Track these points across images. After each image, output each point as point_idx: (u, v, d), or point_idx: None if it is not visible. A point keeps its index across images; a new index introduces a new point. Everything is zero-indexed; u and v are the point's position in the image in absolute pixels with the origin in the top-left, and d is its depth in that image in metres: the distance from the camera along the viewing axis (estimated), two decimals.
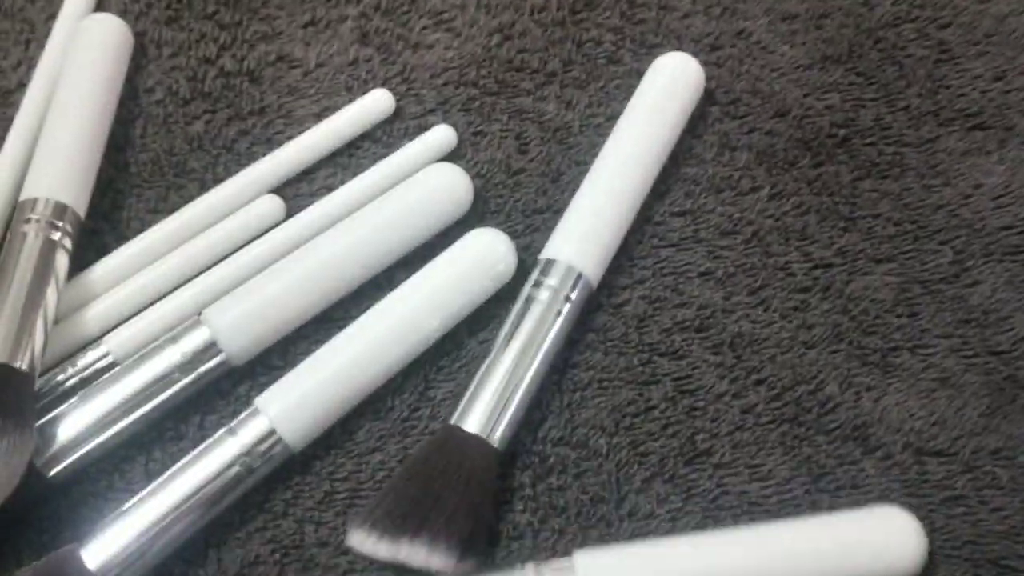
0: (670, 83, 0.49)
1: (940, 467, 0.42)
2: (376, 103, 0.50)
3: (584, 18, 0.53)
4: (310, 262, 0.44)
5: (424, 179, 0.47)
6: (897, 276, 0.47)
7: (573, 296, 0.44)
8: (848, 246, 0.47)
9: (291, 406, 0.41)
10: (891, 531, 0.40)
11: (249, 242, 0.47)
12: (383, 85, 0.51)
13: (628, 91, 0.50)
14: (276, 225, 0.47)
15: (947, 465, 0.43)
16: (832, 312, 0.46)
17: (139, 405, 0.42)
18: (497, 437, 0.41)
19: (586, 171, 0.48)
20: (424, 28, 0.53)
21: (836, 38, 0.53)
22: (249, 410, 0.42)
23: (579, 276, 0.44)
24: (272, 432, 0.41)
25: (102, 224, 0.47)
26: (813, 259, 0.47)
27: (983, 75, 0.52)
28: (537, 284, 0.44)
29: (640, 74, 0.51)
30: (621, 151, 0.48)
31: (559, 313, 0.44)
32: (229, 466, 0.41)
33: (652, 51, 0.52)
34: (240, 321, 0.43)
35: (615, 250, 0.46)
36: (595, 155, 0.48)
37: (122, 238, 0.47)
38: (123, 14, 0.52)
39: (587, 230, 0.46)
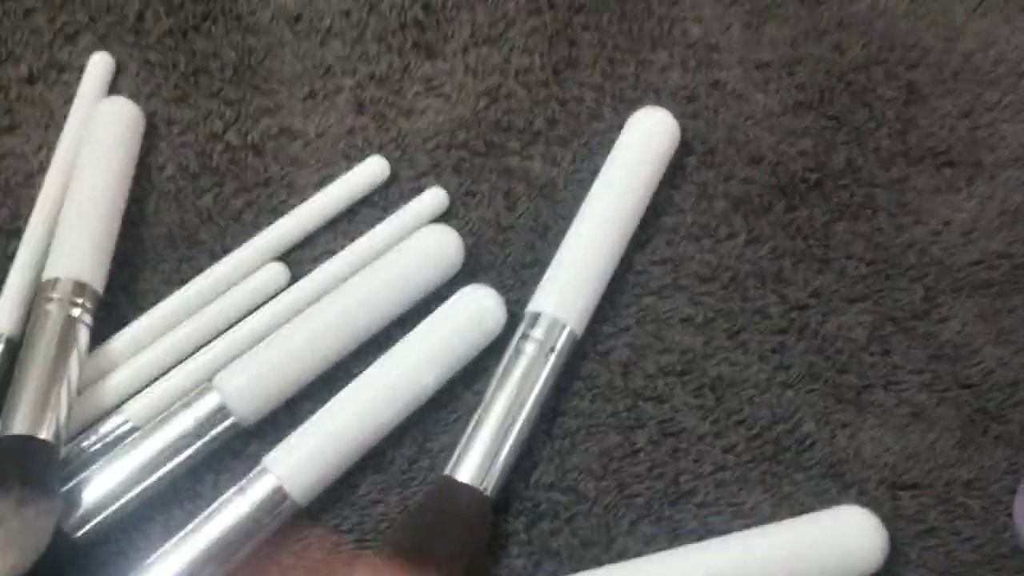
0: (646, 138, 0.51)
1: (914, 500, 0.44)
2: (372, 169, 0.52)
3: (567, 77, 0.55)
4: (312, 327, 0.47)
5: (417, 241, 0.49)
6: (870, 315, 0.48)
7: (558, 347, 0.46)
8: (822, 287, 0.49)
9: (297, 464, 0.44)
10: (852, 529, 0.41)
11: (256, 308, 0.49)
12: (378, 151, 0.53)
13: (610, 146, 0.52)
14: (281, 290, 0.49)
15: (920, 498, 0.44)
16: (808, 352, 0.47)
17: (157, 468, 0.44)
18: (489, 486, 0.43)
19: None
20: (416, 94, 0.55)
21: (808, 84, 0.54)
22: (258, 469, 0.44)
23: (563, 327, 0.46)
24: (280, 489, 0.43)
25: (120, 297, 0.50)
26: (789, 301, 0.49)
27: (951, 113, 0.53)
28: (524, 337, 0.46)
29: (621, 128, 0.52)
30: (600, 205, 0.49)
31: (545, 364, 0.46)
32: (241, 523, 0.43)
33: (632, 105, 0.53)
34: (248, 386, 0.45)
35: (598, 300, 0.48)
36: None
37: (139, 310, 0.49)
38: (135, 95, 0.55)
39: (570, 282, 0.48)
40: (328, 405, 0.45)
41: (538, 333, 0.46)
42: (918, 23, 0.55)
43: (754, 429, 0.46)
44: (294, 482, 0.43)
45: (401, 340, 0.47)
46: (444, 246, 0.49)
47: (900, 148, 0.52)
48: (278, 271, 0.50)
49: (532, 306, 0.47)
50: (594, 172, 0.52)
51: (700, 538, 0.44)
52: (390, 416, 0.45)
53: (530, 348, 0.46)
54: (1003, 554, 0.42)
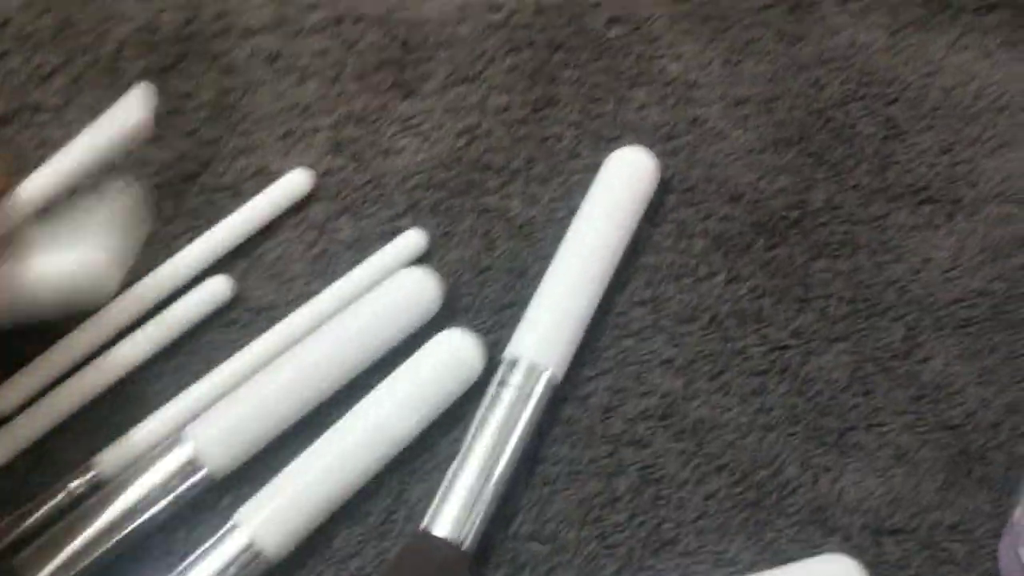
0: (625, 176, 0.49)
1: (897, 547, 0.41)
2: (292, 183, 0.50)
3: (545, 115, 0.53)
4: (286, 375, 0.44)
5: (394, 285, 0.46)
6: (851, 355, 0.46)
7: (537, 392, 0.43)
8: (803, 327, 0.46)
9: (269, 518, 0.41)
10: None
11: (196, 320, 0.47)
12: (355, 192, 0.51)
13: (588, 184, 0.50)
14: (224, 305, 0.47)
15: (904, 544, 0.41)
16: (789, 394, 0.45)
17: (127, 523, 0.42)
18: (467, 539, 0.41)
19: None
20: (393, 134, 0.52)
21: (787, 120, 0.52)
22: (229, 524, 0.41)
23: (542, 372, 0.44)
24: (252, 544, 0.41)
25: None
26: (769, 341, 0.46)
27: (930, 149, 0.51)
28: (502, 383, 0.44)
29: (599, 167, 0.50)
30: (579, 245, 0.47)
31: (524, 411, 0.43)
32: None
33: (610, 144, 0.51)
34: (220, 437, 0.43)
35: (578, 343, 0.46)
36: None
37: None
38: None
39: (549, 325, 0.45)
40: (301, 456, 0.42)
41: (516, 379, 0.43)
42: (897, 58, 0.53)
43: (736, 475, 0.43)
44: (267, 537, 0.41)
45: (377, 387, 0.44)
46: (423, 291, 0.46)
47: (880, 185, 0.50)
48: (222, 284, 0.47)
49: (510, 350, 0.45)
50: (572, 211, 0.49)
51: None
52: (365, 467, 0.43)
53: (508, 395, 0.43)
54: None
